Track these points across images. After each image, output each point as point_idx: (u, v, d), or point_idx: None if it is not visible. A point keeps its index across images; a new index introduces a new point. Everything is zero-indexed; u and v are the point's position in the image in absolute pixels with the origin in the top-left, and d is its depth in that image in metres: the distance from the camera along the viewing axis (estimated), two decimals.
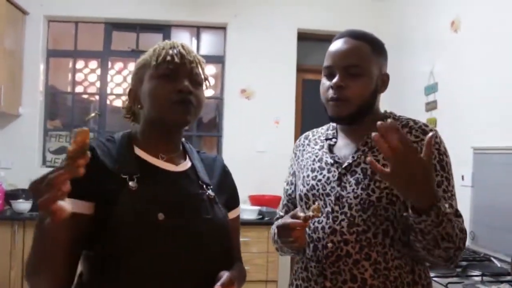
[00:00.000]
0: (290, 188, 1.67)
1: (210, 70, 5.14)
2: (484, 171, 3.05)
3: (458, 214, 1.35)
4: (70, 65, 5.04)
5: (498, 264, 2.64)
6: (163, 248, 1.15)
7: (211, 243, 1.24)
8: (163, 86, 1.24)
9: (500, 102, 2.98)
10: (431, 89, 3.83)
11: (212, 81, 5.13)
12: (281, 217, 1.66)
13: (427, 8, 4.05)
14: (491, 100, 3.07)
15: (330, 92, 1.43)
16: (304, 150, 1.65)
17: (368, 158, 1.15)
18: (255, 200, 4.54)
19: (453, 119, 3.45)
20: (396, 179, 1.14)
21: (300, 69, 4.99)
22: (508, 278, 2.37)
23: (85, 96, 5.16)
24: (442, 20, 3.72)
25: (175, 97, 1.23)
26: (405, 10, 4.49)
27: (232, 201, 1.42)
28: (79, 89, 5.03)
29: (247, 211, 4.22)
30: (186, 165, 1.33)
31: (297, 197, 1.56)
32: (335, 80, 1.41)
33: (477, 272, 2.43)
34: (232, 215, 1.38)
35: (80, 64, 5.01)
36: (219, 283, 1.12)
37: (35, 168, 4.58)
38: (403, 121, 1.48)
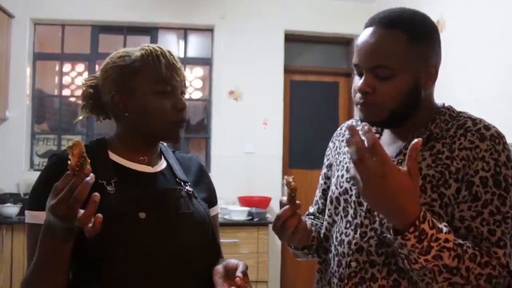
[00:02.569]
0: (325, 183, 1.44)
1: (198, 72, 5.14)
2: None
3: (500, 244, 1.05)
4: (57, 68, 5.01)
5: None
6: (148, 245, 1.17)
7: (195, 236, 1.25)
8: (163, 104, 1.24)
9: (487, 101, 3.02)
10: None
11: (200, 83, 5.14)
12: (311, 214, 1.50)
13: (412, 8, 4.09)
14: (478, 99, 3.11)
15: (358, 95, 1.18)
16: (344, 141, 1.37)
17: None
18: (244, 201, 4.55)
19: None
20: (366, 193, 0.97)
21: (287, 70, 5.01)
22: None
23: (72, 99, 5.13)
24: None
25: (175, 116, 1.25)
26: None
27: (211, 199, 1.43)
28: (66, 92, 5.00)
29: (236, 212, 4.23)
30: (161, 165, 1.35)
31: (328, 198, 1.35)
32: (359, 83, 1.16)
33: None
34: (211, 213, 1.39)
35: (67, 67, 4.98)
36: (239, 271, 1.14)
37: (23, 172, 4.55)
38: (460, 119, 1.20)
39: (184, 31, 5.03)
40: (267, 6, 4.92)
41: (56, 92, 5.02)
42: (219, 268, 1.21)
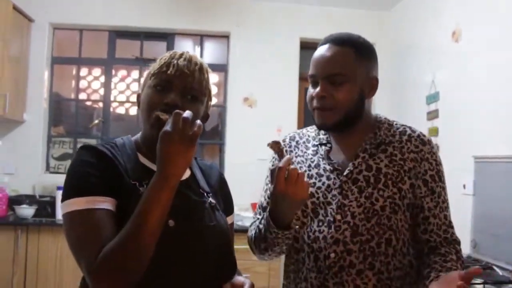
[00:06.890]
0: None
1: (213, 78, 5.15)
2: (486, 180, 3.06)
3: (451, 225, 1.42)
4: (74, 72, 5.06)
5: (500, 272, 2.65)
6: (173, 254, 1.16)
7: (217, 249, 1.25)
8: (153, 97, 1.22)
9: (502, 111, 3.00)
10: (433, 98, 3.85)
11: (215, 89, 5.16)
12: (259, 220, 1.52)
13: (429, 18, 4.08)
14: (492, 109, 3.09)
15: (315, 102, 1.40)
16: (292, 152, 1.56)
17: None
18: None
19: (455, 128, 3.47)
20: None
21: (302, 78, 5.01)
22: (510, 286, 2.38)
23: (88, 103, 5.18)
24: (443, 30, 3.74)
25: (158, 107, 1.21)
26: (406, 20, 4.52)
27: (228, 208, 1.44)
28: (82, 96, 5.06)
29: (249, 218, 4.22)
30: (186, 173, 1.34)
31: None
32: (317, 90, 1.39)
33: (479, 280, 2.43)
34: (228, 221, 1.40)
35: (84, 71, 5.04)
36: None
37: (39, 174, 4.60)
38: (399, 127, 1.46)
39: (200, 38, 5.06)
40: (283, 14, 4.93)
41: (72, 96, 5.08)
42: (227, 286, 1.21)
